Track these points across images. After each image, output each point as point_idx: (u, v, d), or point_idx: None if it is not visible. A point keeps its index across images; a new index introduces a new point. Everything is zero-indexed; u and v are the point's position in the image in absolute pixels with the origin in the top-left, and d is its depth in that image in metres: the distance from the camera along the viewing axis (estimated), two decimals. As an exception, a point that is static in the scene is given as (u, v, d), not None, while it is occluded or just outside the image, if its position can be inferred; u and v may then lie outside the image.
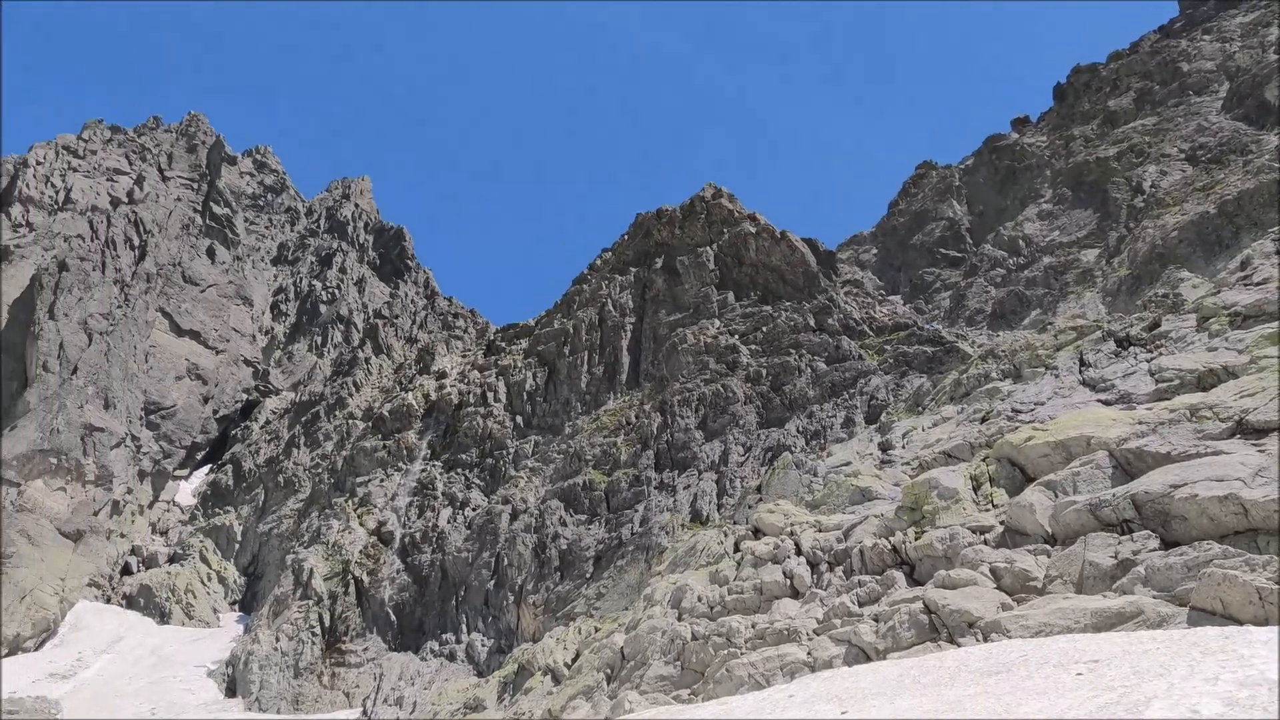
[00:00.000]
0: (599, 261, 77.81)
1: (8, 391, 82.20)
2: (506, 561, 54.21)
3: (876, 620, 19.42)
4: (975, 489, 24.12)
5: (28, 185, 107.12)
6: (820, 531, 27.19)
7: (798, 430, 50.92)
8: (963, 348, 51.79)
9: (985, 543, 20.21)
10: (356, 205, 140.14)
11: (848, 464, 36.55)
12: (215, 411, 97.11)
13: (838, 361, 54.67)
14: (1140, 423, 21.33)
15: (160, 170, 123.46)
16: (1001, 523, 20.61)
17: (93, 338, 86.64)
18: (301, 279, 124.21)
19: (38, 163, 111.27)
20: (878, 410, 48.55)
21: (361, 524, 65.95)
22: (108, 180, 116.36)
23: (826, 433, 49.28)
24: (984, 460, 25.40)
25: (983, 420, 32.99)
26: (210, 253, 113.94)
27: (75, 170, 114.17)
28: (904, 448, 36.15)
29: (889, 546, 22.57)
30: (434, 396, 75.11)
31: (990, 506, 22.80)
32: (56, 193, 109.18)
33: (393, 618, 57.45)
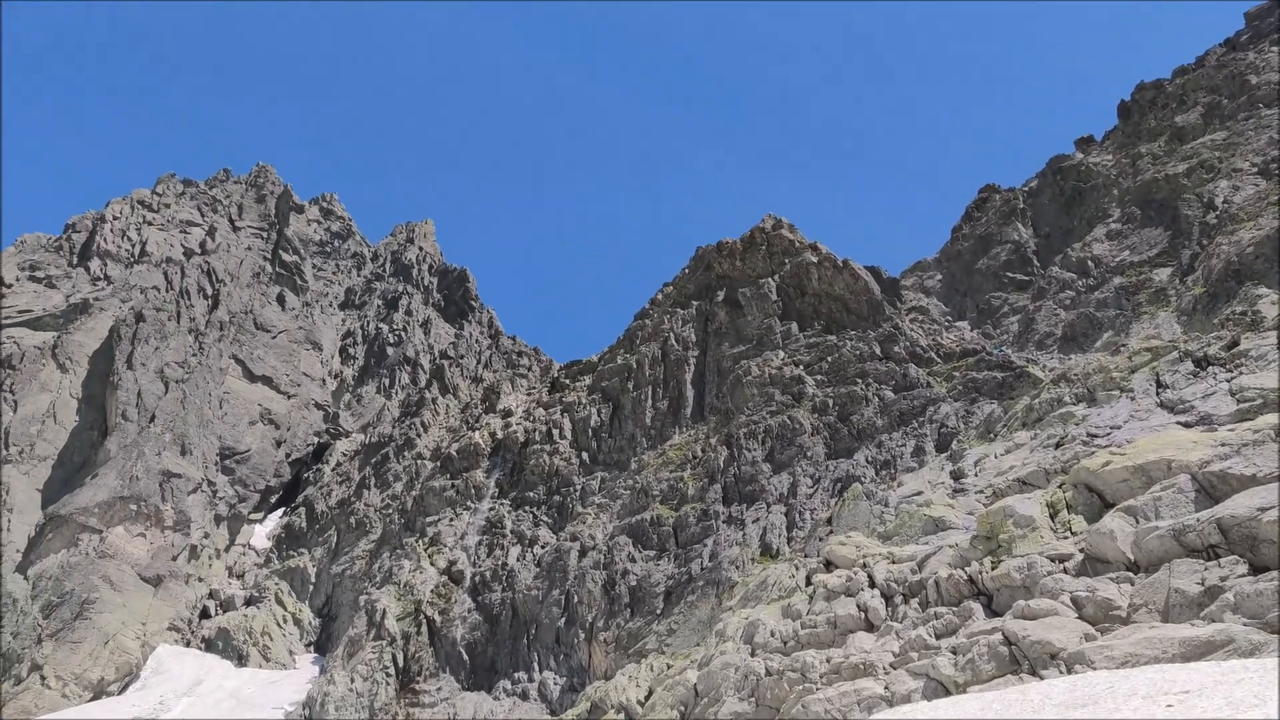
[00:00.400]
0: (660, 296, 77.97)
1: (89, 441, 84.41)
2: (576, 599, 54.13)
3: (955, 653, 19.01)
4: (1052, 516, 23.59)
5: (105, 240, 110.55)
6: (894, 563, 26.76)
7: (867, 460, 50.30)
8: (1034, 372, 50.85)
9: (1065, 571, 19.72)
10: (420, 249, 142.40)
11: (919, 494, 36.01)
12: (288, 455, 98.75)
13: (905, 390, 53.99)
14: (1223, 444, 20.72)
15: (231, 221, 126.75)
16: (1081, 550, 20.10)
17: (169, 386, 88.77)
18: (369, 323, 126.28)
19: (114, 218, 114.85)
20: (948, 438, 47.81)
21: (432, 563, 66.39)
22: (181, 232, 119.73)
23: (896, 462, 48.61)
24: (1060, 487, 24.85)
25: (1057, 446, 32.33)
26: (280, 299, 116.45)
27: (150, 224, 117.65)
28: (976, 476, 35.55)
29: (965, 577, 22.13)
30: (500, 435, 75.62)
31: (1069, 534, 22.26)
32: (133, 246, 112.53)
33: (465, 657, 57.59)
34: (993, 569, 21.53)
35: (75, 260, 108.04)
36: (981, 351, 56.67)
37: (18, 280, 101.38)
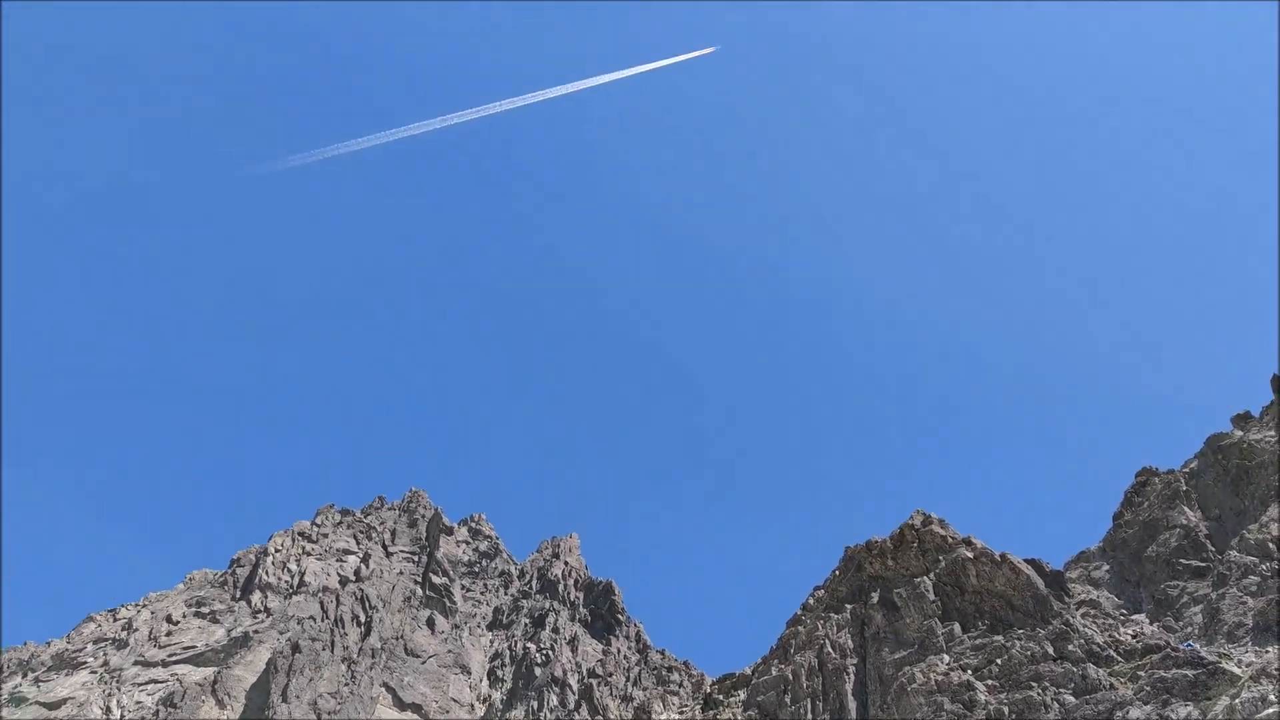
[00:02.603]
0: (812, 601, 75.77)
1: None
2: None
3: None
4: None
5: (266, 572, 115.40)
6: None
7: (1055, 775, 46.05)
8: (1228, 668, 46.72)
9: None
10: (566, 563, 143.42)
11: (1121, 813, 32.52)
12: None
13: (1087, 693, 50.02)
14: None
15: (384, 546, 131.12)
16: None
17: (321, 717, 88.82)
18: (516, 642, 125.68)
19: (276, 550, 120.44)
20: (1144, 746, 43.65)
21: None
22: (337, 560, 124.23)
23: (1089, 776, 44.37)
24: (1287, 802, 22.17)
25: (1273, 752, 29.17)
26: (430, 623, 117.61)
27: (309, 554, 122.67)
28: (1185, 790, 32.11)
29: None
30: (654, 758, 72.31)
31: None
32: (292, 577, 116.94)
33: None
34: None
35: (238, 594, 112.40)
36: (1167, 647, 52.66)
37: (184, 617, 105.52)
